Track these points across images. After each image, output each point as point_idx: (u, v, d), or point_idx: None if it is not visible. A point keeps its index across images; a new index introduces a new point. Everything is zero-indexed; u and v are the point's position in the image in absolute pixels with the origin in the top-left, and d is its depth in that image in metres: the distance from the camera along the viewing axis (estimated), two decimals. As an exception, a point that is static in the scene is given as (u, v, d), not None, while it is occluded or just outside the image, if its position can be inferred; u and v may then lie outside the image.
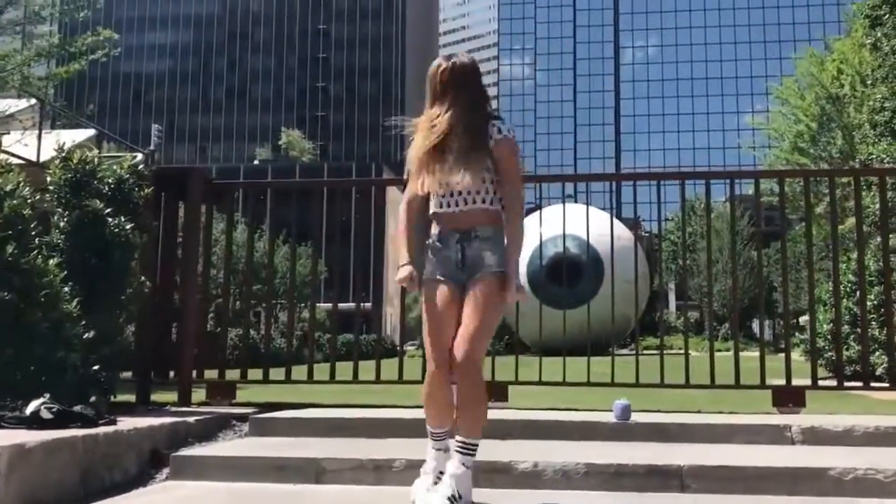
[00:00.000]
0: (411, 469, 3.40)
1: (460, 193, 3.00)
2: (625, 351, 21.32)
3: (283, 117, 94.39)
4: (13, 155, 11.41)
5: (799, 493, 3.16)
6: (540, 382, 5.31)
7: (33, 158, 12.29)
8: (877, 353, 7.38)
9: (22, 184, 4.27)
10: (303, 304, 27.24)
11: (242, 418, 4.57)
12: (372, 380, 5.49)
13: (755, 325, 44.45)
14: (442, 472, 2.99)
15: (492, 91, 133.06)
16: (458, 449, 2.93)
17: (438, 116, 3.03)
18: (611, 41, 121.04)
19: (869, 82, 11.96)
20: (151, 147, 32.85)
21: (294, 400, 5.39)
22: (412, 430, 4.20)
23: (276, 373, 5.68)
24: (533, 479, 3.31)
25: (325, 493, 3.27)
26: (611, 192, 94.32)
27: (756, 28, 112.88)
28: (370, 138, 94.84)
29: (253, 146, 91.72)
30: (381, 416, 4.44)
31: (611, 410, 4.37)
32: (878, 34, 10.36)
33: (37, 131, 13.62)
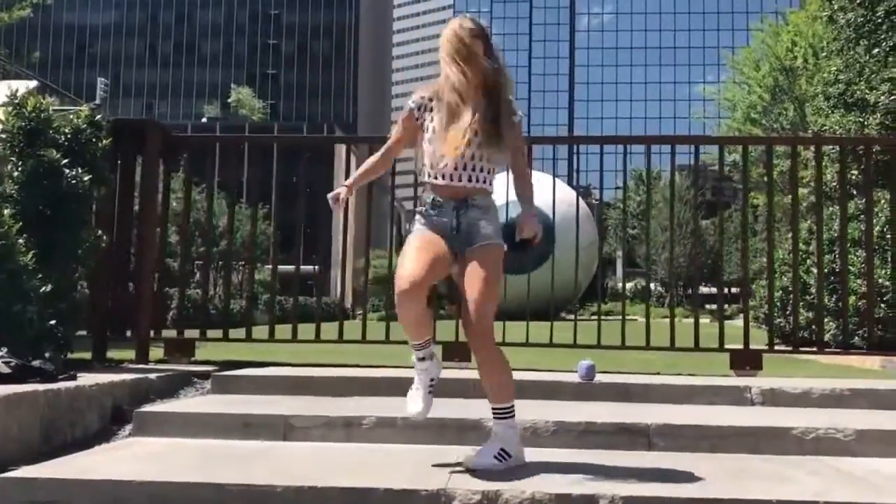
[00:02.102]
0: (382, 426, 3.40)
1: (465, 168, 2.98)
2: (572, 316, 21.56)
3: (233, 74, 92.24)
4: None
5: (762, 452, 3.23)
6: (503, 343, 5.31)
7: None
8: (826, 320, 7.57)
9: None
10: (258, 265, 26.92)
11: (204, 376, 4.51)
12: (335, 339, 5.45)
13: (704, 292, 45.38)
14: (433, 379, 3.10)
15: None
16: (495, 416, 2.97)
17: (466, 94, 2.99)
18: (567, 7, 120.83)
19: (823, 55, 12.15)
20: (97, 101, 31.84)
21: (253, 359, 5.34)
22: (379, 388, 4.20)
23: (234, 333, 5.61)
24: (503, 436, 3.31)
25: (295, 449, 3.24)
26: (569, 156, 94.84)
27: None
28: (322, 98, 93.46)
29: (201, 103, 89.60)
30: (347, 375, 4.43)
31: (573, 371, 4.42)
32: (835, 6, 10.49)
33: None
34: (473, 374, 4.43)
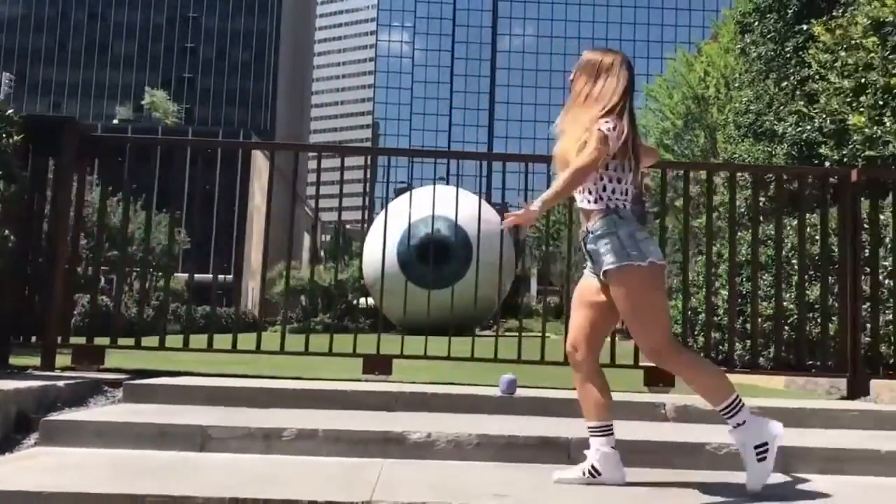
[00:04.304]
0: (303, 439, 3.35)
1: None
2: (487, 332, 21.74)
3: (148, 76, 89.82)
4: None
5: (677, 467, 3.32)
6: (426, 357, 5.33)
7: None
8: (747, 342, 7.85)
9: None
10: (165, 274, 26.20)
11: (115, 384, 4.35)
12: (252, 349, 5.34)
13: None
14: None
15: (368, 66, 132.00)
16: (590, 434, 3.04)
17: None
18: (489, 27, 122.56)
19: (735, 86, 12.69)
20: (0, 96, 30.51)
21: (166, 369, 5.18)
22: (299, 400, 4.14)
23: (146, 341, 5.43)
24: (425, 449, 3.32)
25: (213, 460, 3.15)
26: (490, 174, 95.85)
27: (627, 26, 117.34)
28: (239, 104, 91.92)
29: (113, 104, 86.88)
30: (265, 386, 4.34)
31: (492, 385, 4.45)
32: (747, 40, 10.98)
33: None
34: (398, 388, 4.43)
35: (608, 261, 2.91)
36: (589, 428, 3.04)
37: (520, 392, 4.38)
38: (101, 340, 5.25)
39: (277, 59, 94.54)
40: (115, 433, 3.37)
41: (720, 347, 7.59)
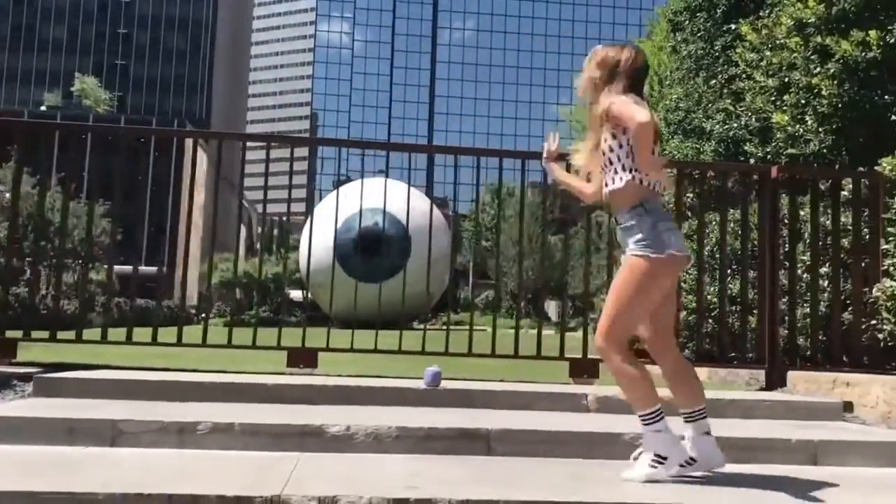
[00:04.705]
0: (218, 432, 3.27)
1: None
2: (421, 326, 21.74)
3: (78, 62, 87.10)
4: None
5: (595, 457, 3.35)
6: (352, 349, 5.29)
7: None
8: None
9: None
10: (92, 265, 25.51)
11: (25, 378, 4.20)
12: (173, 342, 5.21)
13: (547, 305, 46.97)
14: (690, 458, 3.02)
15: (307, 57, 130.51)
16: (641, 422, 3.00)
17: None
18: (430, 20, 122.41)
19: (667, 83, 12.91)
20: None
21: (85, 362, 5.02)
22: (217, 393, 4.06)
23: (64, 334, 5.26)
24: (344, 442, 3.28)
25: (123, 456, 3.06)
26: (428, 168, 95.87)
27: (566, 23, 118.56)
28: (174, 93, 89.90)
29: (40, 91, 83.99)
30: (184, 379, 4.23)
31: (419, 378, 4.43)
32: (678, 38, 11.18)
33: None
34: (321, 381, 4.38)
35: (630, 250, 3.00)
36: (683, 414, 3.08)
37: (445, 384, 4.38)
38: (14, 334, 5.06)
39: (214, 47, 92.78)
40: (21, 429, 3.24)
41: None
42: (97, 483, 2.54)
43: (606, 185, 3.11)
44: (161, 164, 55.01)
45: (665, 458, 2.91)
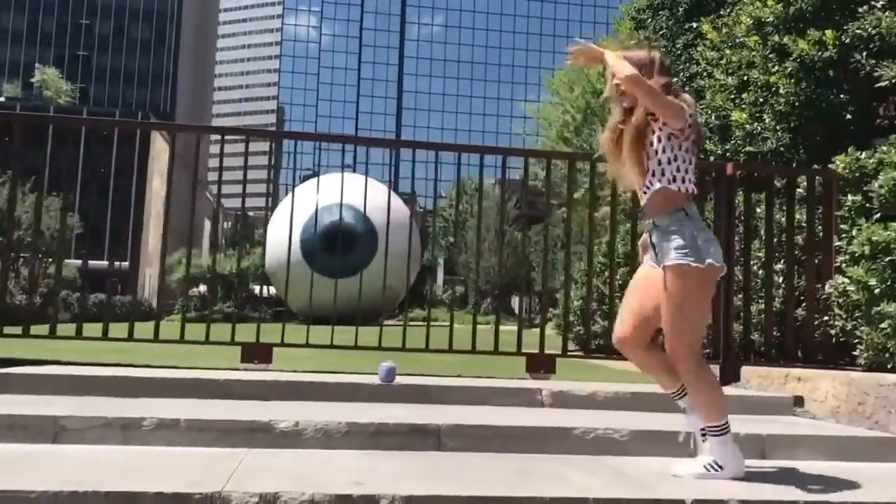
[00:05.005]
0: (164, 428, 3.21)
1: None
2: (393, 322, 21.70)
3: (39, 53, 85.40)
4: None
5: (546, 451, 3.35)
6: (307, 345, 5.24)
7: None
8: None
9: None
10: (49, 259, 25.10)
11: (-32, 374, 4.08)
12: (124, 337, 5.12)
13: (514, 301, 47.17)
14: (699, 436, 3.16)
15: (273, 50, 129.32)
16: (708, 433, 3.05)
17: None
18: (398, 15, 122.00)
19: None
20: None
21: (34, 357, 4.91)
22: (168, 389, 3.99)
23: (11, 329, 5.14)
24: (293, 438, 3.24)
25: (64, 452, 2.99)
26: (393, 164, 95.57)
27: (534, 20, 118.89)
28: (138, 85, 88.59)
29: (0, 82, 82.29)
30: (134, 375, 4.16)
31: (375, 374, 4.40)
32: (641, 36, 11.23)
33: None
34: (273, 376, 4.33)
35: (670, 256, 2.96)
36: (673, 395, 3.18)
37: (400, 380, 4.35)
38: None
39: (179, 38, 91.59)
40: (-42, 426, 3.15)
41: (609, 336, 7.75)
42: (33, 481, 2.47)
43: (648, 187, 3.07)
44: (125, 156, 54.18)
45: (721, 467, 2.99)
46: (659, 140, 3.04)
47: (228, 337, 5.12)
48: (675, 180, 3.02)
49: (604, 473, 3.00)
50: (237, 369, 4.79)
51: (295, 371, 4.82)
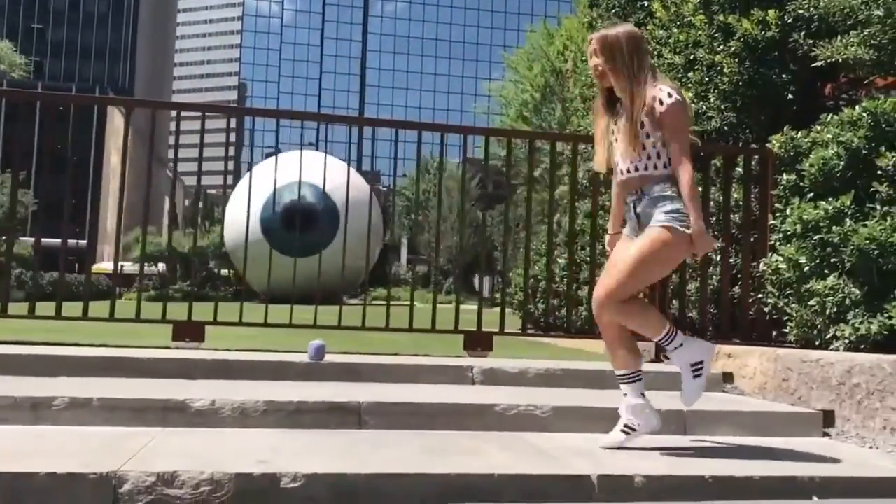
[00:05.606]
0: (75, 408, 3.14)
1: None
2: (355, 301, 21.59)
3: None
4: None
5: (468, 428, 3.34)
6: (240, 323, 5.17)
7: None
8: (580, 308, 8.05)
9: None
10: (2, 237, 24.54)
11: None
12: (52, 315, 5.01)
13: (477, 280, 47.29)
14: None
15: (235, 25, 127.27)
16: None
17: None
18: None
19: (583, 59, 12.96)
20: None
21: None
22: (86, 368, 3.91)
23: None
24: (209, 417, 3.18)
25: (-35, 434, 2.91)
26: (359, 142, 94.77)
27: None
28: (95, 59, 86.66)
29: (-51, 54, 79.92)
30: (48, 353, 4.05)
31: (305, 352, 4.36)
32: (595, 14, 11.20)
33: None
34: (199, 355, 4.26)
35: (658, 219, 2.99)
36: (618, 376, 3.19)
37: (331, 358, 4.31)
38: None
39: (138, 11, 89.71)
40: None
41: (557, 313, 7.77)
42: (-76, 462, 2.40)
43: (637, 169, 3.10)
44: (82, 132, 53.09)
45: (635, 429, 3.09)
46: (651, 124, 3.09)
47: (161, 315, 5.04)
48: (667, 166, 3.07)
49: (521, 449, 3.00)
50: (168, 347, 4.71)
51: (228, 350, 4.76)
